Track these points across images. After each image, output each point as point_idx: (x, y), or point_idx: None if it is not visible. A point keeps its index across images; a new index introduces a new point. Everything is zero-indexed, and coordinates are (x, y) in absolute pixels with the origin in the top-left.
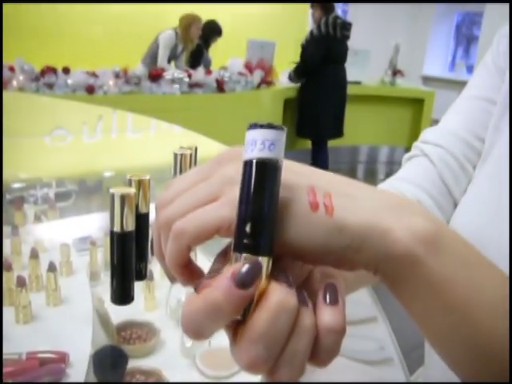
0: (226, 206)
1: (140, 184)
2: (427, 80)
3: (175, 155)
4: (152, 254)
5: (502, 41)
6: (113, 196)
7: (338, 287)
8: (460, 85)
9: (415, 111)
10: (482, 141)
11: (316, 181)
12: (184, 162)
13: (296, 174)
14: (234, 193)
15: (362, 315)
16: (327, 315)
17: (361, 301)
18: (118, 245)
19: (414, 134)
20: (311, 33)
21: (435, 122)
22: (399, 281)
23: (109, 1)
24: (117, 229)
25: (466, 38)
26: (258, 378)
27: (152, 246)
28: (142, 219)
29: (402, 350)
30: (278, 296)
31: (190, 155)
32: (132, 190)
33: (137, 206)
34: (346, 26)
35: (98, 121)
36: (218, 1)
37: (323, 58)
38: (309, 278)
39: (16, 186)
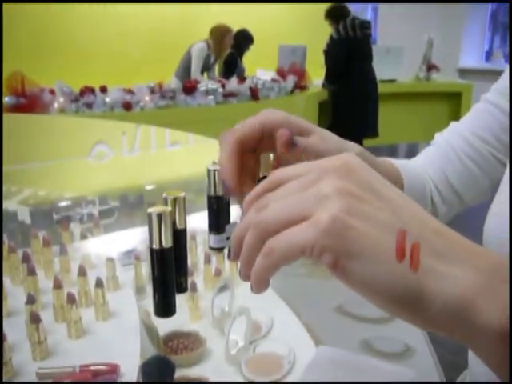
0: (311, 229)
1: (175, 201)
2: (464, 72)
3: (209, 171)
4: (229, 256)
5: None
6: (150, 215)
7: None
8: (498, 75)
9: (453, 105)
10: (484, 141)
11: (407, 222)
12: (218, 176)
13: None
14: (324, 214)
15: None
16: None
17: None
18: (158, 261)
19: None
20: (331, 37)
21: None
22: (481, 349)
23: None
24: (156, 246)
25: (502, 26)
26: None
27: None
28: (179, 235)
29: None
30: None
31: None
32: (168, 209)
33: (174, 223)
34: (365, 25)
35: (135, 137)
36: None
37: (347, 59)
38: None
39: (62, 205)
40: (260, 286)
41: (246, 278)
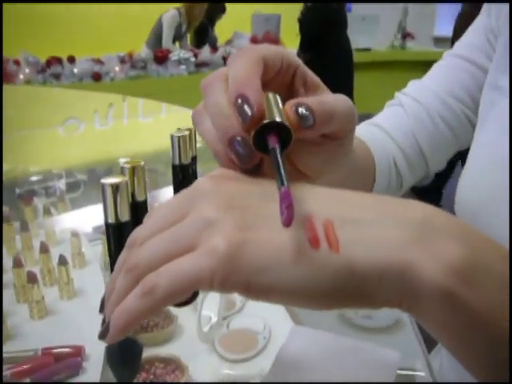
0: (205, 257)
1: (134, 171)
2: (439, 41)
3: (172, 137)
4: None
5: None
6: (103, 186)
7: None
8: None
9: None
10: (459, 101)
11: (312, 205)
12: (183, 143)
13: None
14: (213, 241)
15: None
16: None
17: None
18: (115, 236)
19: None
20: (306, 5)
21: None
22: (430, 317)
23: None
24: (111, 220)
25: None
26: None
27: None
28: (138, 207)
29: None
30: None
31: (189, 136)
32: (124, 179)
33: (133, 195)
34: None
35: (107, 108)
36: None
37: (322, 27)
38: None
39: (27, 179)
40: (126, 331)
41: (114, 336)
